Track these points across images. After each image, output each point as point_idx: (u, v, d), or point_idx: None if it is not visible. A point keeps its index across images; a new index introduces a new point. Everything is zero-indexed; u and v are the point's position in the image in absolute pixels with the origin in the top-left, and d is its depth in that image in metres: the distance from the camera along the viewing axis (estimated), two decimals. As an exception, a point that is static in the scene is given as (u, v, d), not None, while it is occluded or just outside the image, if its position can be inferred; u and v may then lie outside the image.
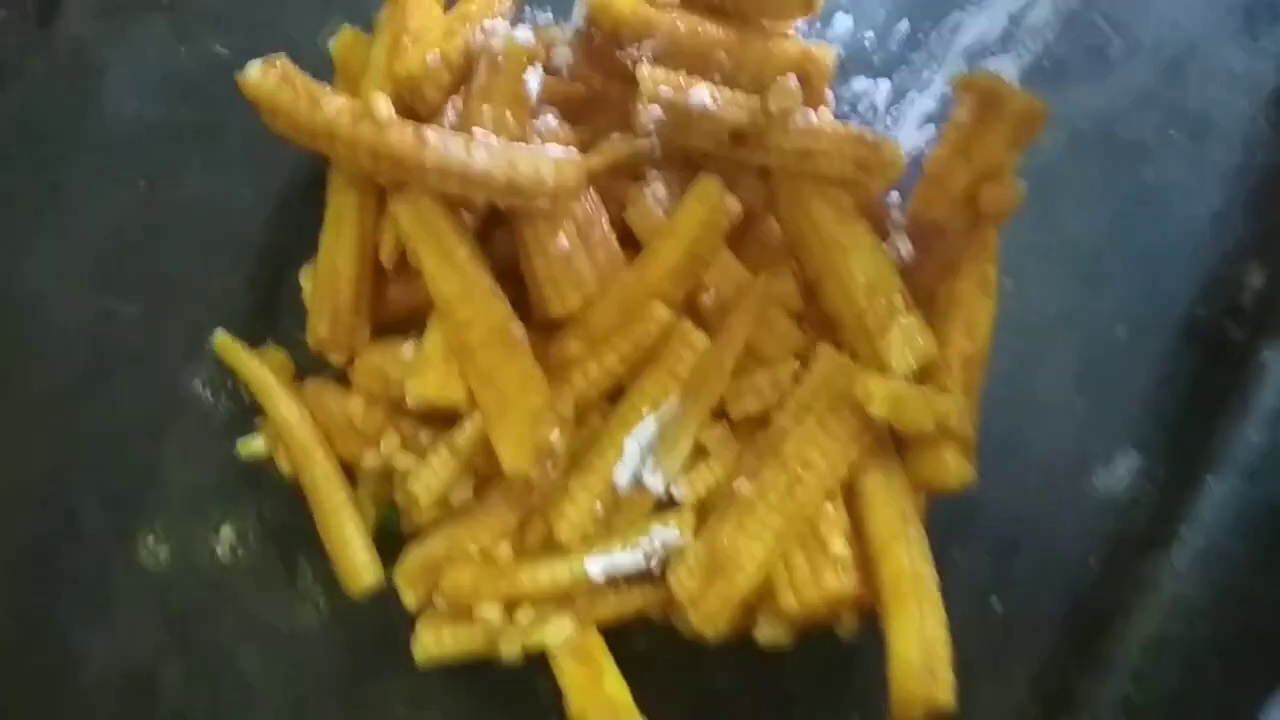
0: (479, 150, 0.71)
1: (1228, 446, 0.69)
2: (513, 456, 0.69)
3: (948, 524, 0.71)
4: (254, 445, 0.77)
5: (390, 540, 0.77)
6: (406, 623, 0.75)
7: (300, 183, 0.83)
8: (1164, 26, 0.70)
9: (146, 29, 0.84)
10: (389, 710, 0.76)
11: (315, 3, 0.86)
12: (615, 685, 0.71)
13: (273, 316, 0.82)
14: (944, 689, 0.65)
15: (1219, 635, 0.64)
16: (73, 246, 0.81)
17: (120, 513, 0.77)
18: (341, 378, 0.79)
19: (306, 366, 0.80)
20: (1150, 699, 0.65)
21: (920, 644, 0.65)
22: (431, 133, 0.71)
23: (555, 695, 0.73)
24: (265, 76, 0.73)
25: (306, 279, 0.80)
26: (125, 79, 0.84)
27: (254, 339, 0.80)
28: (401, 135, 0.71)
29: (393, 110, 0.71)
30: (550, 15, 0.84)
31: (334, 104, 0.72)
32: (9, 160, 0.80)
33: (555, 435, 0.69)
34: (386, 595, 0.75)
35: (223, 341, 0.78)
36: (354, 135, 0.71)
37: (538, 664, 0.74)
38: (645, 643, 0.76)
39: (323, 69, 0.79)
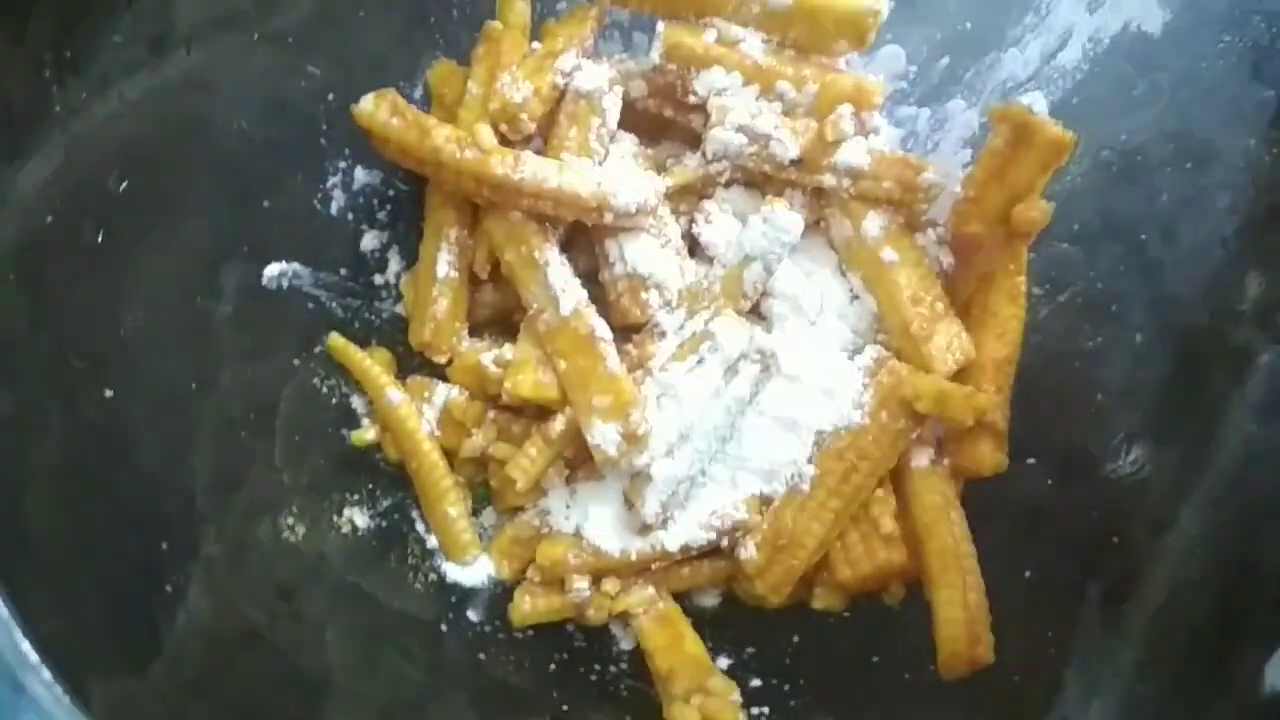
0: (570, 174, 0.80)
1: (1228, 436, 0.78)
2: (604, 447, 0.78)
3: (984, 505, 0.80)
4: (365, 435, 0.86)
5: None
6: (499, 591, 0.85)
7: (390, 195, 0.91)
8: (1179, 69, 0.78)
9: (251, 55, 0.90)
10: (485, 670, 0.85)
11: (402, 33, 0.92)
12: (695, 645, 0.80)
13: (370, 319, 0.90)
14: (985, 648, 0.75)
15: (1221, 603, 0.73)
16: (183, 252, 0.87)
17: (241, 495, 0.85)
18: (437, 374, 0.88)
19: (403, 364, 0.89)
20: (1166, 661, 0.74)
21: (964, 610, 0.75)
22: (529, 159, 0.80)
23: (628, 653, 0.84)
24: (377, 108, 0.82)
25: (407, 287, 0.89)
26: (232, 100, 0.89)
27: (355, 339, 0.88)
28: (502, 161, 0.79)
29: (495, 140, 0.80)
30: (619, 44, 0.92)
31: (441, 133, 0.80)
32: (127, 173, 0.84)
33: (642, 428, 0.78)
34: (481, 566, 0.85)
35: (335, 342, 0.86)
36: (459, 161, 0.80)
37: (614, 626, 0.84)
38: (713, 609, 0.86)
39: (404, 88, 0.87)
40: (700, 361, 0.80)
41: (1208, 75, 0.77)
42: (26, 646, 0.65)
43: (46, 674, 0.64)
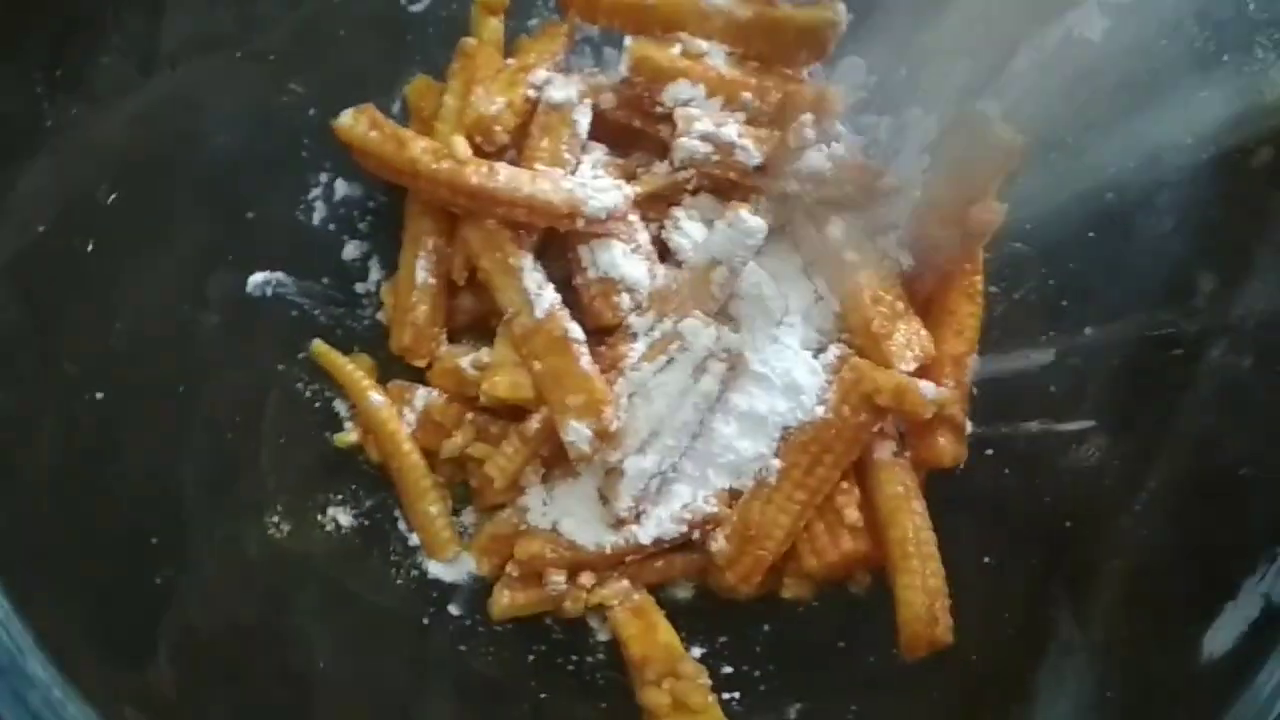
0: (543, 183, 0.83)
1: (1178, 428, 0.81)
2: (577, 444, 0.81)
3: (944, 495, 0.83)
4: (348, 437, 0.89)
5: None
6: (479, 586, 0.88)
7: (371, 206, 0.94)
8: (1125, 74, 0.82)
9: (235, 73, 0.93)
10: (467, 663, 0.87)
11: (380, 50, 0.95)
12: (667, 634, 0.83)
13: (352, 325, 0.93)
14: (944, 630, 0.78)
15: (1170, 580, 0.76)
16: (171, 261, 0.88)
17: (229, 495, 0.87)
18: (417, 378, 0.91)
19: (384, 369, 0.92)
20: (1116, 637, 0.77)
21: (924, 595, 0.78)
22: (503, 169, 0.83)
23: (605, 644, 0.87)
24: (357, 122, 0.85)
25: (387, 294, 0.92)
26: (217, 116, 0.91)
27: (337, 345, 0.90)
28: (477, 171, 0.82)
29: (470, 151, 0.83)
30: (590, 59, 0.95)
31: (418, 145, 0.83)
32: (117, 186, 0.85)
33: (614, 425, 0.81)
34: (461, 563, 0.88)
35: (319, 347, 0.89)
36: (435, 172, 0.83)
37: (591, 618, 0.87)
38: (686, 600, 0.88)
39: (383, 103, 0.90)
40: (670, 361, 0.83)
41: (1148, 79, 0.81)
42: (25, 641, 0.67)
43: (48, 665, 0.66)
